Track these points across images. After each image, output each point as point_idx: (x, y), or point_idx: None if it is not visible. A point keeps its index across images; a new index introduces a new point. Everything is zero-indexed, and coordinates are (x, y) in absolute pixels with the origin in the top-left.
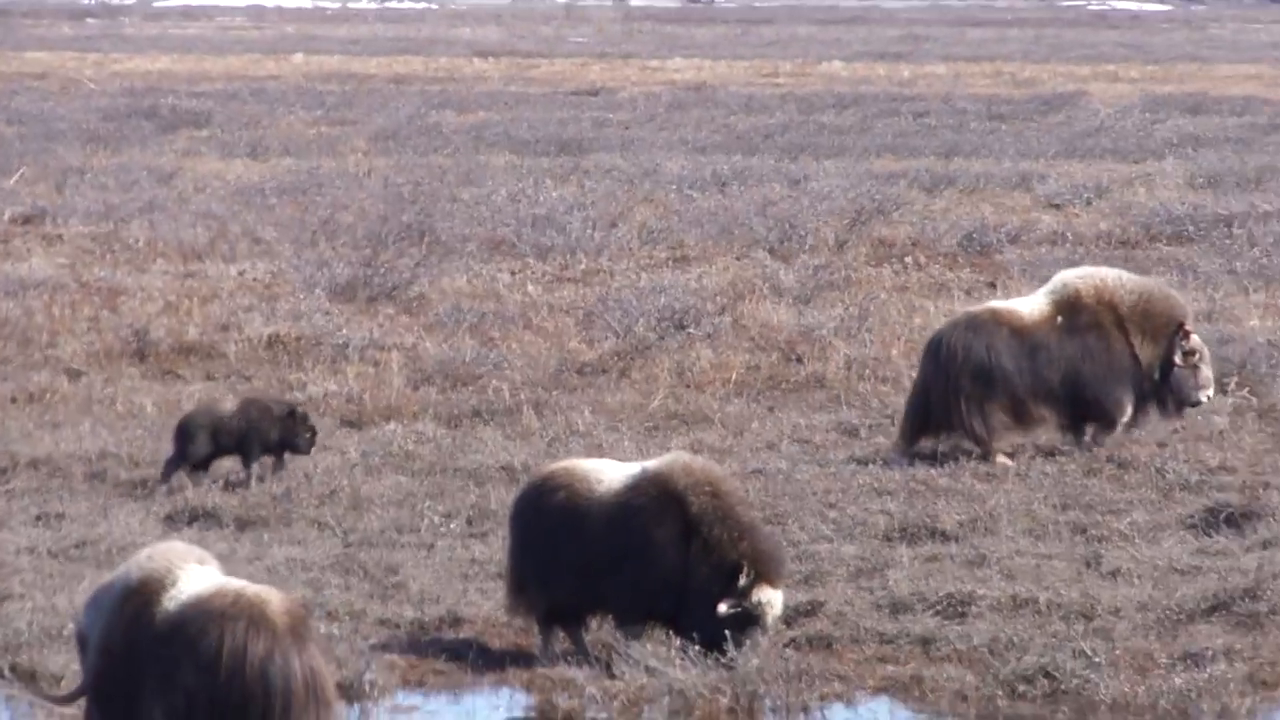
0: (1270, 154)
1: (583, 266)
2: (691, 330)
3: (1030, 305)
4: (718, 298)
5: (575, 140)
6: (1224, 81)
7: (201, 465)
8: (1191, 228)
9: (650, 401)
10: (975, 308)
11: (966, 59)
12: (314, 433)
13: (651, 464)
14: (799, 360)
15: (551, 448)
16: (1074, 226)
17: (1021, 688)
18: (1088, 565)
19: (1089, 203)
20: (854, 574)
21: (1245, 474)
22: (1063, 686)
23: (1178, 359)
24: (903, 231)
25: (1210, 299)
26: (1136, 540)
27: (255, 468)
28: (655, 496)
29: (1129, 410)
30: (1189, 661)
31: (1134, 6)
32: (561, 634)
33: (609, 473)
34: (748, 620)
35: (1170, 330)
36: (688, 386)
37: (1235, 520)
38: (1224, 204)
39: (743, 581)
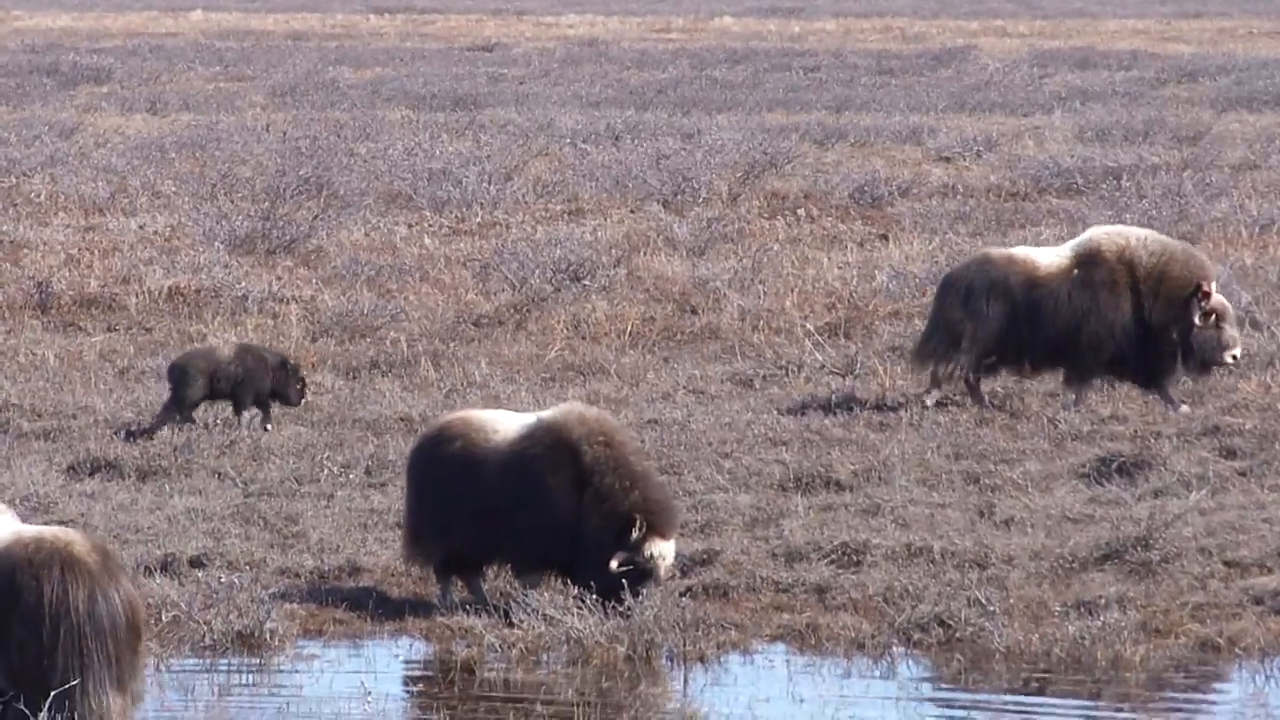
0: (1157, 107)
1: (479, 220)
2: (587, 282)
3: (1051, 255)
4: (612, 250)
5: (471, 95)
6: (1111, 36)
7: (191, 409)
8: (1080, 180)
9: (546, 353)
10: (995, 250)
11: (857, 15)
12: (304, 384)
13: (546, 414)
14: (693, 311)
15: (449, 399)
16: (964, 179)
17: (916, 636)
18: (981, 514)
19: (979, 156)
20: (749, 523)
21: (1136, 423)
22: (957, 634)
23: (1197, 320)
24: (795, 184)
25: None
26: (1029, 489)
27: (245, 416)
28: (549, 446)
29: (1100, 372)
30: (1082, 610)
31: None
32: (459, 583)
33: (504, 423)
34: (640, 574)
35: (1187, 292)
36: (583, 338)
37: (1127, 469)
38: (1112, 157)
39: (634, 535)
